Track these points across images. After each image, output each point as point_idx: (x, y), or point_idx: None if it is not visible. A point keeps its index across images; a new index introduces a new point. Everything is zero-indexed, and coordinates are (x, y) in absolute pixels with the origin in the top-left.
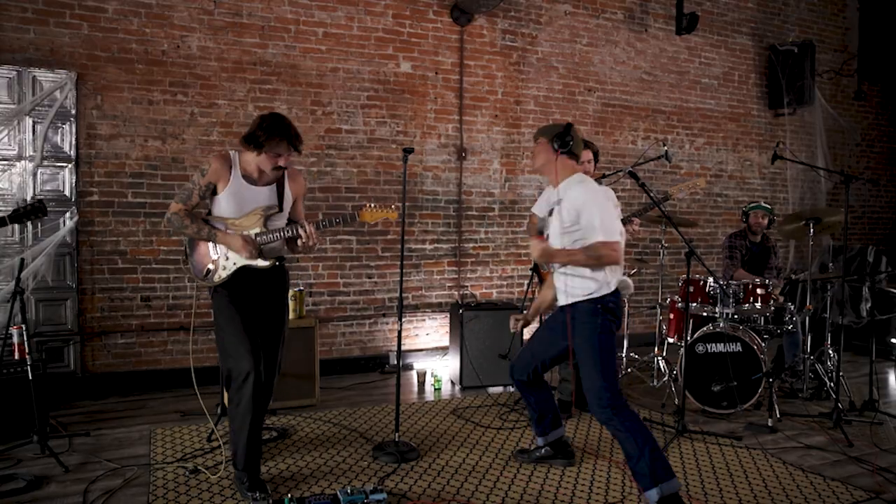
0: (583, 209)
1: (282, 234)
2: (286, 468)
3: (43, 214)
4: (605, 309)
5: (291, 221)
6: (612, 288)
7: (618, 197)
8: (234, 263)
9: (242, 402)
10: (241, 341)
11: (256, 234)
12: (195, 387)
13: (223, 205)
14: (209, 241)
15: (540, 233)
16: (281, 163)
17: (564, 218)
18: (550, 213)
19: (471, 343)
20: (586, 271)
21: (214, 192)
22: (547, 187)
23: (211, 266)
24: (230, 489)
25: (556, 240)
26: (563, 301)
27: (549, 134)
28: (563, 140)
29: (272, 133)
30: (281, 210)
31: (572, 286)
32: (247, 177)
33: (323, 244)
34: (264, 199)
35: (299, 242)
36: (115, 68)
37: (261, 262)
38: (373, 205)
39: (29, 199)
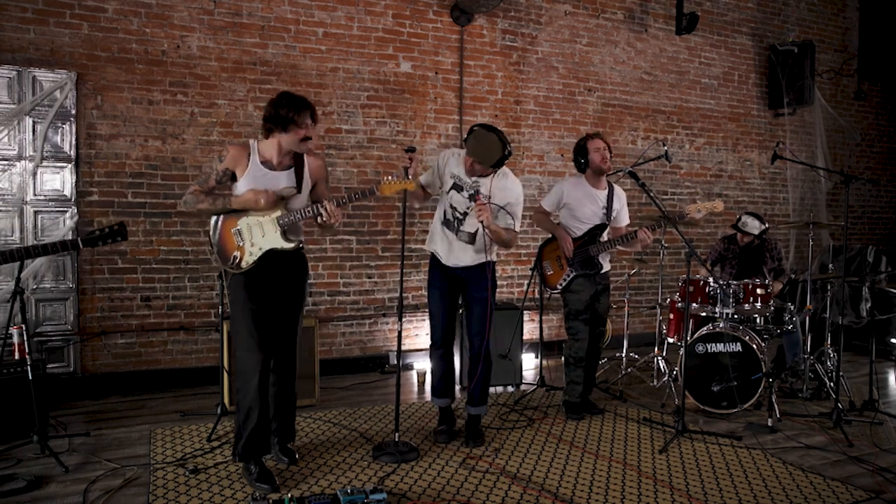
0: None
1: (303, 213)
2: (286, 468)
3: (122, 238)
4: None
5: (315, 202)
6: None
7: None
8: (261, 248)
9: (249, 394)
10: (252, 334)
11: (278, 217)
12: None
13: (243, 190)
14: (224, 208)
15: None
16: (310, 133)
17: None
18: None
19: None
20: None
21: (234, 179)
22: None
23: (237, 253)
24: (230, 489)
25: None
26: None
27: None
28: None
29: (299, 107)
30: (300, 191)
31: None
32: (265, 163)
33: (322, 244)
34: (283, 183)
35: (321, 219)
36: (115, 68)
37: (285, 245)
38: (390, 177)
39: (29, 196)
